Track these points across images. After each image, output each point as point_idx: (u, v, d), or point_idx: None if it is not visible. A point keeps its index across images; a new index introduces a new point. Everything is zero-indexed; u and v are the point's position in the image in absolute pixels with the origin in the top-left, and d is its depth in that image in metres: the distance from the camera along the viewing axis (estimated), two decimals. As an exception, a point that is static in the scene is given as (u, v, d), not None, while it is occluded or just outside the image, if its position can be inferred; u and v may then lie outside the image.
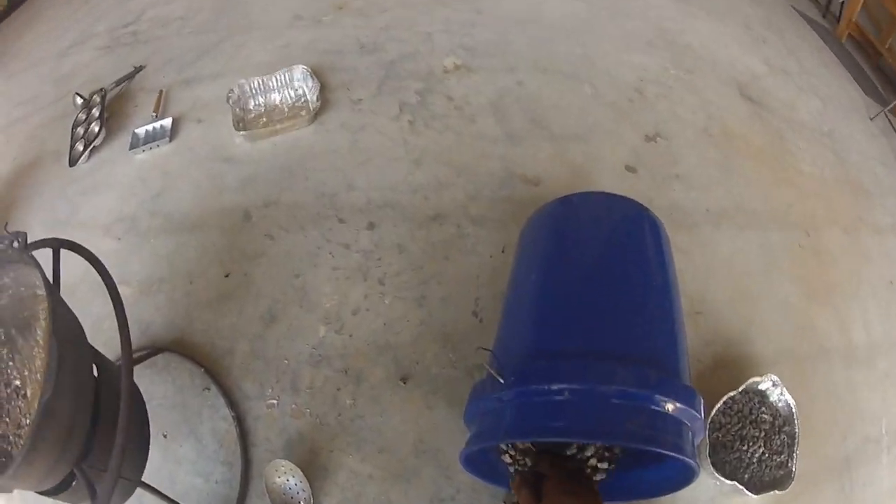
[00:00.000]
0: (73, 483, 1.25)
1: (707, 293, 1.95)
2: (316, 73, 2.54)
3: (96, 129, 2.84)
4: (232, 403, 1.68)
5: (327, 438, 1.62)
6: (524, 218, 1.77)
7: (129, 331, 1.23)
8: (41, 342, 1.27)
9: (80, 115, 3.03)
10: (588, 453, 1.37)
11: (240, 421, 1.66)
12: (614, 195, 1.64)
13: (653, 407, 1.11)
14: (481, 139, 2.28)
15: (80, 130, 2.95)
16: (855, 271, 2.29)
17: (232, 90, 2.58)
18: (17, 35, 4.59)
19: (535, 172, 2.17)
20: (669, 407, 1.10)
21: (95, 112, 2.96)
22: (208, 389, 1.71)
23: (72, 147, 2.89)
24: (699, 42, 3.14)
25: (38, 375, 1.24)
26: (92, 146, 2.76)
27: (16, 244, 1.23)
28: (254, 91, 2.61)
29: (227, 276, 1.93)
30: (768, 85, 3.07)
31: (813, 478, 1.67)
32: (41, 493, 1.24)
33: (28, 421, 1.18)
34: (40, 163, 2.89)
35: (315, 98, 2.43)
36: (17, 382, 1.27)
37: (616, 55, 2.81)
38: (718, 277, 2.02)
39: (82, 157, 2.77)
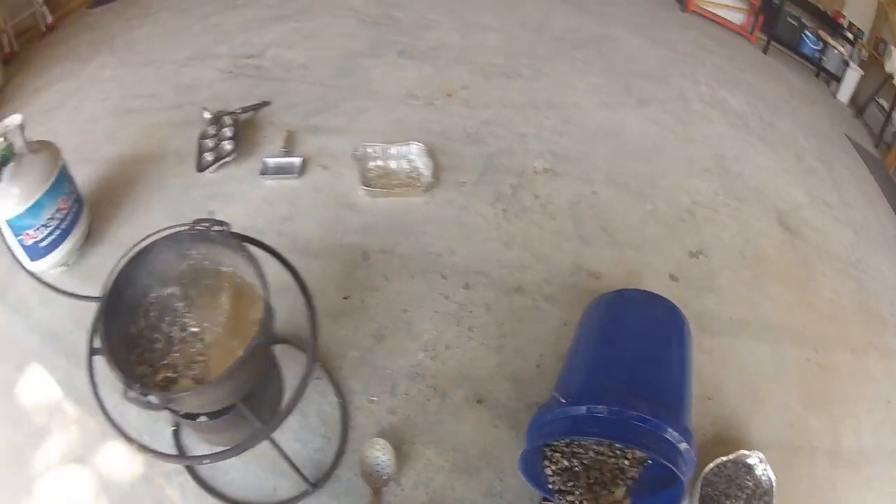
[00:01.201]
0: (226, 415, 1.79)
1: (720, 385, 2.57)
2: (428, 151, 3.25)
3: (228, 147, 3.44)
4: (339, 393, 2.29)
5: (413, 434, 2.22)
6: (585, 302, 2.48)
7: (317, 319, 1.86)
8: (224, 305, 1.83)
9: (208, 128, 3.68)
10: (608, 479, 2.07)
11: (344, 407, 2.28)
12: (656, 294, 2.39)
13: (660, 432, 1.79)
14: (558, 235, 2.97)
15: (209, 143, 3.57)
16: (856, 388, 2.85)
17: (357, 149, 3.29)
18: (129, 26, 5.59)
19: (598, 269, 2.84)
20: (671, 435, 1.79)
21: (227, 132, 3.58)
22: (320, 379, 2.33)
23: (200, 155, 3.51)
24: (750, 171, 3.77)
25: (219, 328, 1.80)
26: (223, 161, 3.38)
27: (217, 229, 1.75)
28: (375, 154, 3.32)
29: (345, 298, 2.63)
30: (807, 215, 3.67)
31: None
32: (200, 414, 1.78)
33: (202, 358, 1.73)
34: (163, 158, 3.57)
35: (430, 174, 3.14)
36: (194, 329, 1.81)
37: (676, 178, 3.47)
38: (731, 374, 2.63)
39: (211, 168, 3.38)
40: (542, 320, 2.64)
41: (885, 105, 5.49)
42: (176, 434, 2.30)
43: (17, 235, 2.91)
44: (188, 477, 2.18)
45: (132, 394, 1.57)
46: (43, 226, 3.00)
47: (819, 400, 2.73)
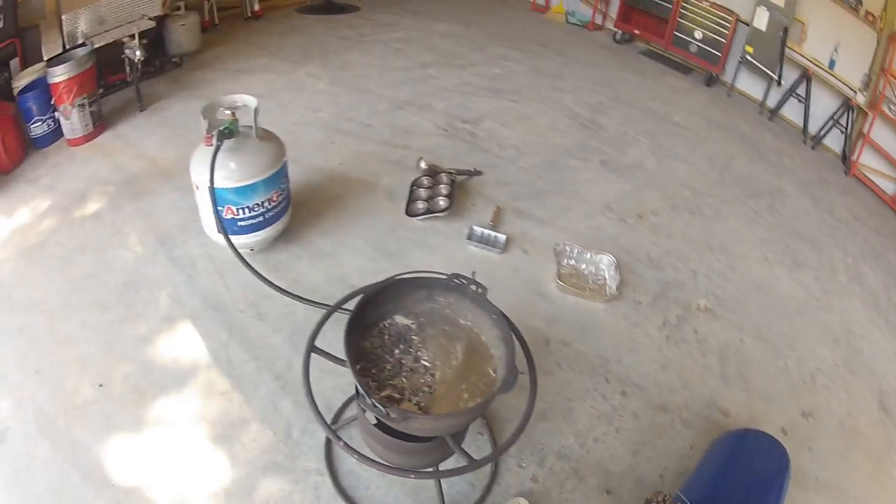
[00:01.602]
0: (430, 442, 2.05)
1: None
2: (617, 265, 3.78)
3: (442, 203, 3.96)
4: (496, 451, 2.51)
5: (547, 502, 2.58)
6: (712, 433, 3.04)
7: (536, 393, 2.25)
8: (458, 352, 2.07)
9: (423, 178, 4.20)
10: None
11: (496, 464, 2.63)
12: (775, 440, 2.95)
13: None
14: (705, 371, 3.48)
15: (423, 192, 4.10)
16: None
17: (559, 245, 3.85)
18: (342, 46, 6.42)
19: (729, 408, 3.34)
20: None
21: (443, 189, 4.08)
22: (482, 434, 2.75)
23: (411, 200, 4.03)
24: (869, 349, 4.14)
25: (450, 370, 2.02)
26: (434, 214, 3.90)
27: (475, 289, 2.05)
28: (571, 254, 3.87)
29: (522, 373, 2.94)
30: None
31: None
32: (404, 436, 1.99)
33: (428, 389, 1.95)
34: (373, 189, 4.13)
35: (615, 287, 3.71)
36: (426, 363, 2.02)
37: (809, 343, 3.92)
38: None
39: (420, 216, 3.87)
40: (674, 439, 3.04)
41: None
42: (329, 445, 2.65)
43: (218, 205, 3.15)
44: (326, 481, 2.53)
45: (372, 401, 1.77)
46: (248, 208, 3.30)
47: None
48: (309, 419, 2.76)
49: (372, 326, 2.13)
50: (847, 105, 6.57)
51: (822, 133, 6.87)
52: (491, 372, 2.07)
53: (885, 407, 3.82)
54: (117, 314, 3.29)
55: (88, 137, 4.90)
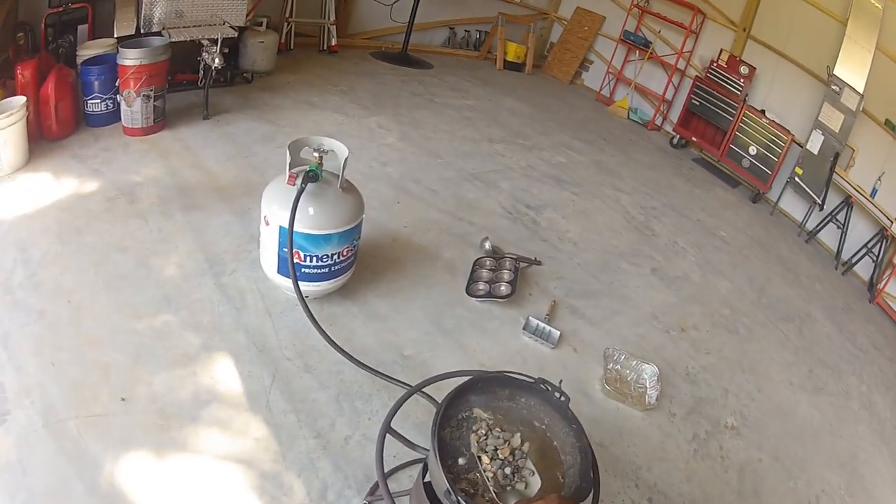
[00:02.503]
0: None
1: None
2: (659, 377, 4.08)
3: (504, 290, 4.09)
4: None
5: None
6: None
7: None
8: (528, 454, 2.06)
9: (485, 259, 4.36)
10: None
11: None
12: None
13: None
14: (724, 487, 3.74)
15: (484, 274, 4.22)
16: None
17: (608, 349, 4.11)
18: (412, 101, 6.60)
19: None
20: None
21: (506, 275, 4.25)
22: None
23: (472, 280, 4.14)
24: (871, 475, 4.43)
25: (530, 463, 2.05)
26: (495, 299, 4.00)
27: (559, 396, 2.05)
28: (618, 359, 4.12)
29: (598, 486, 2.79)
30: None
31: None
32: None
33: (508, 484, 1.95)
34: (433, 261, 4.22)
35: (654, 398, 4.00)
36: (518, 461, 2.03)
37: (818, 467, 4.20)
38: None
39: (480, 298, 3.97)
40: None
41: None
42: None
43: (285, 247, 3.04)
44: None
45: (457, 498, 1.74)
46: (317, 257, 3.22)
47: None
48: (346, 485, 2.72)
49: (451, 417, 2.09)
50: (882, 234, 6.96)
51: (855, 260, 7.24)
52: (559, 477, 2.09)
53: None
54: (152, 328, 3.21)
55: (146, 131, 4.88)
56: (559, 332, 4.13)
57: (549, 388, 2.08)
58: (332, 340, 2.99)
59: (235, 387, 3.02)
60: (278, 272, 3.31)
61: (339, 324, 3.59)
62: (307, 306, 3.00)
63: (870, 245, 7.16)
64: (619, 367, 4.11)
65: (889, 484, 4.48)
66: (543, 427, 2.21)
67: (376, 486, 2.60)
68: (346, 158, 3.16)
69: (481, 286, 4.25)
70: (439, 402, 2.10)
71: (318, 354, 3.30)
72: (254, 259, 3.70)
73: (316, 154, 3.09)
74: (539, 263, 4.90)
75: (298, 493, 2.62)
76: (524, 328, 4.07)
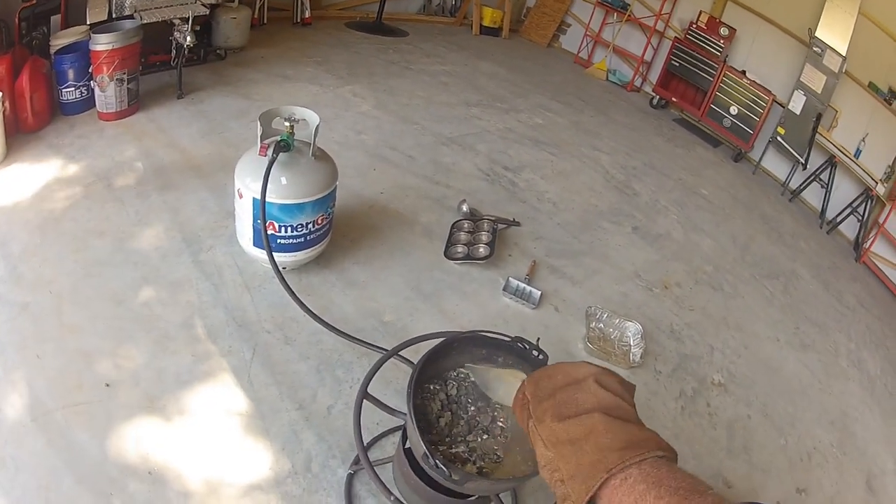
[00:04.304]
0: (467, 499, 1.96)
1: None
2: (643, 334, 4.01)
3: (483, 252, 4.01)
4: None
5: None
6: None
7: None
8: (503, 408, 1.87)
9: (463, 221, 4.27)
10: None
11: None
12: None
13: None
14: (713, 443, 3.70)
15: (462, 237, 4.13)
16: None
17: (591, 307, 3.99)
18: (387, 70, 6.55)
19: (732, 480, 3.55)
20: None
21: (484, 237, 4.16)
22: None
23: (450, 243, 4.04)
24: (862, 432, 4.41)
25: (518, 433, 1.85)
26: (472, 261, 3.93)
27: (538, 355, 1.88)
28: (600, 317, 4.03)
29: None
30: (889, 482, 4.27)
31: None
32: (447, 491, 1.89)
33: (500, 454, 1.77)
34: (411, 225, 4.14)
35: (639, 355, 3.91)
36: (501, 424, 1.86)
37: (809, 423, 4.17)
38: None
39: (457, 261, 3.89)
40: None
41: None
42: (350, 479, 2.56)
43: (259, 219, 2.97)
44: None
45: (435, 462, 1.64)
46: (292, 227, 3.17)
47: None
48: (330, 455, 2.69)
49: (427, 380, 1.96)
50: (867, 194, 6.94)
51: (840, 219, 7.22)
52: None
53: (872, 487, 4.07)
54: (132, 311, 3.15)
55: (121, 115, 4.82)
56: (540, 293, 4.03)
57: (527, 347, 1.96)
58: (308, 310, 2.92)
59: (218, 363, 2.98)
60: (254, 245, 3.29)
61: (318, 293, 3.55)
62: (283, 277, 2.94)
63: (854, 205, 7.14)
64: (601, 325, 4.03)
65: (881, 442, 4.46)
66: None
67: (360, 459, 2.47)
68: (317, 126, 3.12)
69: (460, 249, 4.14)
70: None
71: (298, 325, 3.26)
72: (230, 234, 3.65)
73: (287, 124, 3.03)
74: (518, 224, 4.80)
75: (283, 465, 2.60)
76: (504, 289, 3.98)
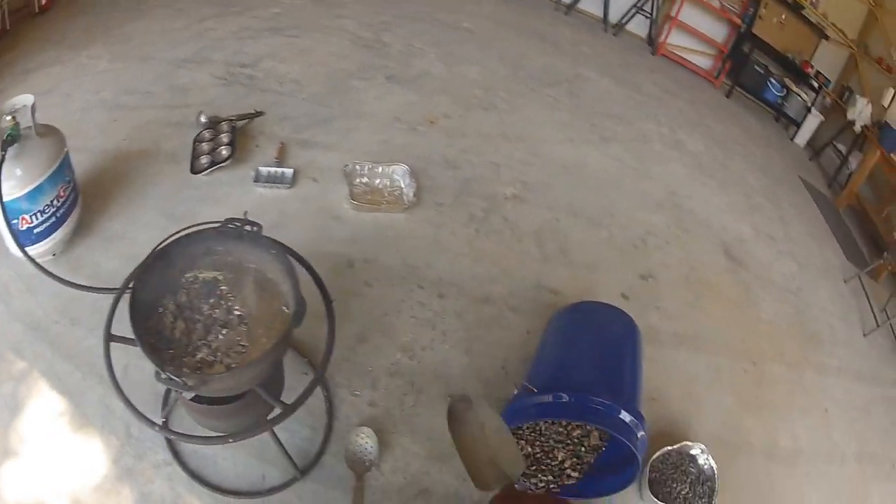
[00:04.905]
0: (243, 399, 1.91)
1: (662, 389, 2.92)
2: (411, 172, 3.53)
3: (225, 152, 3.61)
4: (325, 387, 2.48)
5: (392, 424, 2.44)
6: (546, 314, 2.84)
7: (334, 322, 1.99)
8: (249, 298, 1.93)
9: (204, 132, 3.85)
10: (566, 465, 2.42)
11: (330, 400, 2.46)
12: (610, 305, 2.79)
13: (617, 414, 2.13)
14: (523, 255, 3.28)
15: (205, 147, 3.72)
16: (791, 397, 3.24)
17: (347, 165, 3.54)
18: (122, 17, 5.71)
19: (557, 286, 3.16)
20: (626, 417, 2.13)
21: (224, 138, 3.74)
22: (306, 374, 2.48)
23: (194, 158, 3.66)
24: (700, 207, 4.14)
25: (257, 313, 1.91)
26: (218, 165, 3.54)
27: (249, 228, 1.90)
28: (362, 171, 3.57)
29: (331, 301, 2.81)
30: (751, 248, 4.06)
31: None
32: (218, 400, 1.87)
33: (244, 343, 1.80)
34: (156, 157, 3.72)
35: (412, 194, 3.42)
36: (239, 312, 1.89)
37: (631, 210, 3.81)
38: (672, 380, 2.98)
39: (205, 171, 3.54)
40: (507, 328, 2.93)
41: (843, 149, 5.93)
42: (167, 425, 2.37)
43: (12, 219, 2.88)
44: (177, 468, 2.32)
45: (166, 375, 1.63)
46: (40, 212, 3.03)
47: (754, 405, 3.10)
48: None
49: (165, 295, 1.94)
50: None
51: (625, 20, 6.88)
52: (284, 309, 1.95)
53: (732, 256, 3.87)
54: None
55: None
56: (293, 170, 3.60)
57: (239, 225, 1.95)
58: (64, 280, 2.56)
59: (29, 375, 2.68)
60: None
61: (86, 262, 3.19)
62: (34, 259, 2.61)
63: (639, 4, 6.80)
64: (366, 179, 3.61)
65: (726, 212, 4.29)
66: (253, 266, 2.06)
67: (165, 397, 2.49)
68: (32, 105, 2.89)
69: (203, 160, 3.70)
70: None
71: (78, 303, 2.93)
72: (4, 249, 3.17)
73: (8, 118, 2.80)
74: (261, 114, 4.22)
75: (112, 442, 2.38)
76: (255, 180, 3.57)
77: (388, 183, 3.60)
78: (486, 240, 3.34)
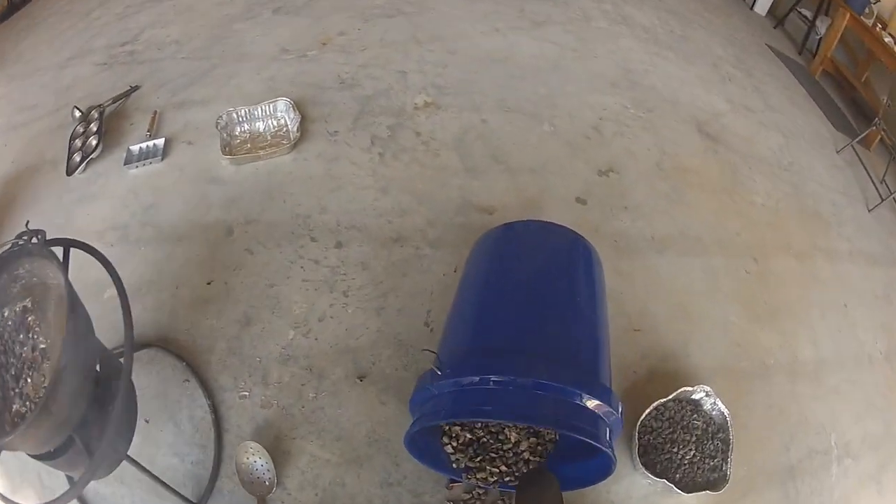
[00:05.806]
0: (68, 452, 1.48)
1: (646, 312, 2.25)
2: (298, 105, 2.90)
3: (94, 142, 3.15)
4: (209, 394, 1.98)
5: (291, 427, 1.91)
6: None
7: (132, 319, 1.52)
8: (52, 323, 1.53)
9: (77, 127, 3.38)
10: (522, 448, 1.66)
11: (215, 409, 1.97)
12: (552, 224, 1.97)
13: (570, 399, 1.38)
14: (443, 171, 2.61)
15: (78, 143, 3.26)
16: (804, 295, 2.59)
17: (220, 117, 2.95)
18: (18, 38, 4.93)
19: (490, 202, 2.49)
20: (587, 401, 1.38)
21: (93, 127, 3.29)
22: (188, 381, 2.02)
23: (69, 158, 3.20)
24: (662, 83, 3.47)
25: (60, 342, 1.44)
26: (89, 159, 3.09)
27: (34, 239, 1.51)
28: (240, 119, 2.96)
29: (209, 283, 2.25)
30: (728, 122, 3.40)
31: (753, 484, 1.94)
32: (38, 457, 1.48)
33: (46, 385, 1.40)
34: (39, 170, 3.22)
35: (295, 129, 2.78)
36: (43, 346, 1.53)
37: (578, 95, 3.15)
38: (658, 298, 2.31)
39: (79, 168, 3.08)
40: (427, 270, 2.31)
41: (808, 15, 5.36)
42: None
43: None
44: None
45: None
46: None
47: (765, 313, 2.45)
48: None
49: None
50: None
51: None
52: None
53: (708, 133, 3.25)
54: None
55: None
56: (163, 140, 3.09)
57: (26, 240, 1.52)
58: None
59: None
60: None
61: None
62: None
63: None
64: (245, 126, 3.03)
65: (695, 84, 3.70)
66: (57, 282, 1.58)
67: None
68: None
69: (76, 157, 3.23)
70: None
71: None
72: None
73: None
74: (136, 88, 3.66)
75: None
76: (126, 163, 3.07)
77: (275, 124, 3.02)
78: (395, 162, 2.71)
